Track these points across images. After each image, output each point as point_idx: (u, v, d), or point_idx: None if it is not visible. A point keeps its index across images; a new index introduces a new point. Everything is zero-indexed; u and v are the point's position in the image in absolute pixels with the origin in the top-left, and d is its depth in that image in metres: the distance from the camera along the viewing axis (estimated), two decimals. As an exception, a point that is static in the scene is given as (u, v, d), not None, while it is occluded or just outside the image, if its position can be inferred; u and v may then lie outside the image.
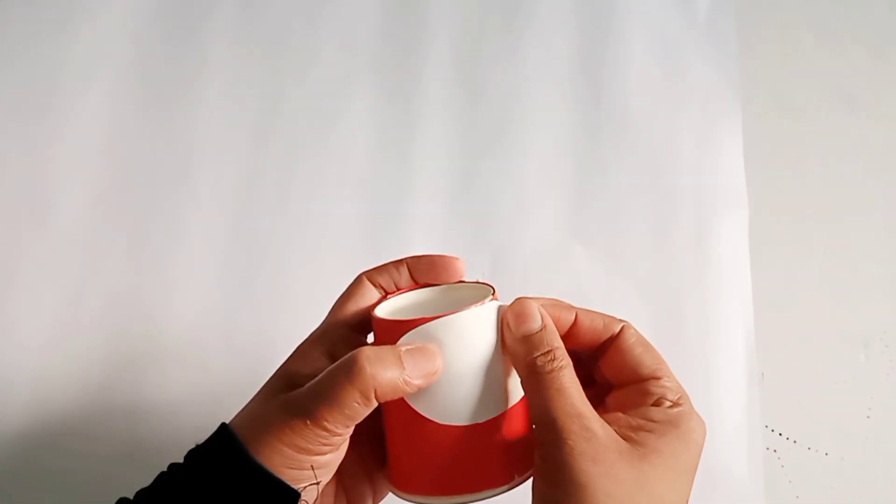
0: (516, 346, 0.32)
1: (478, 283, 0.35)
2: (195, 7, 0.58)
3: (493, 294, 0.33)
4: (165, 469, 0.31)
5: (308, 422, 0.29)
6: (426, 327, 0.31)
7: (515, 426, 0.32)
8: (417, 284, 0.36)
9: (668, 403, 0.32)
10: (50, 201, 0.53)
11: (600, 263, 0.53)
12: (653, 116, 0.57)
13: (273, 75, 0.57)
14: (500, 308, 0.33)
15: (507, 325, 0.32)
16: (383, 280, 0.36)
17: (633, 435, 0.30)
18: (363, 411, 0.29)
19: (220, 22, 0.58)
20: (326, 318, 0.35)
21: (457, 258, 0.35)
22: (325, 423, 0.29)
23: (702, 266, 0.53)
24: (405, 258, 0.36)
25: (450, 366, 0.31)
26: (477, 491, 0.31)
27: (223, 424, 0.31)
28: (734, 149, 0.57)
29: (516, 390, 0.33)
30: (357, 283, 0.36)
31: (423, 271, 0.36)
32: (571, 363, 0.31)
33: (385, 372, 0.29)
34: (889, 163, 0.57)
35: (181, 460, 0.47)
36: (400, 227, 0.53)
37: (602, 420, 0.30)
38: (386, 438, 0.34)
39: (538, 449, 0.30)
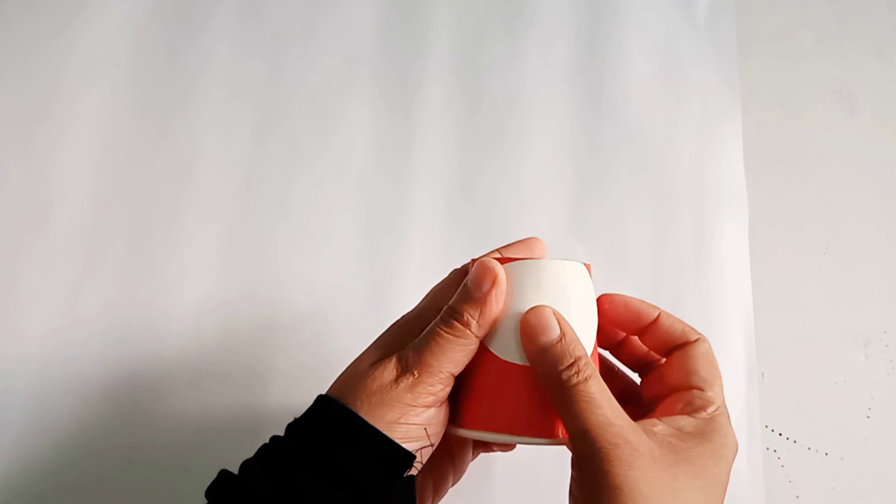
0: (537, 358, 0.32)
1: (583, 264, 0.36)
2: (195, 11, 0.59)
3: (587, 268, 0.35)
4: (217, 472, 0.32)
5: (415, 371, 0.31)
6: (512, 266, 0.33)
7: None
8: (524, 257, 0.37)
9: (705, 414, 0.33)
10: (50, 203, 0.53)
11: (601, 266, 0.53)
12: (653, 118, 0.57)
13: (273, 79, 0.57)
14: (583, 271, 0.34)
15: (525, 335, 0.32)
16: (483, 331, 0.35)
17: (666, 442, 0.31)
18: (464, 348, 0.32)
19: (220, 26, 0.58)
20: (421, 303, 0.36)
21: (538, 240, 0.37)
22: (431, 367, 0.31)
23: (702, 267, 0.53)
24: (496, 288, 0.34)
25: (525, 307, 0.32)
26: (524, 434, 0.32)
27: (323, 396, 0.32)
28: (734, 150, 0.57)
29: (593, 348, 0.34)
30: (456, 274, 0.36)
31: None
32: (597, 370, 0.32)
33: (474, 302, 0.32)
34: (889, 163, 0.57)
35: (182, 461, 0.48)
36: (400, 232, 0.53)
37: (636, 426, 0.31)
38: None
39: (575, 459, 0.31)
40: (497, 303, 0.32)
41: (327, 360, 0.49)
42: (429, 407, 0.31)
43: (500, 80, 0.58)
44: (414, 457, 0.30)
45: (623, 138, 0.57)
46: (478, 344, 0.32)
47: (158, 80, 0.57)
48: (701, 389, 0.34)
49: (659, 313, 0.36)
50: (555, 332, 0.31)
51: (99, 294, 0.51)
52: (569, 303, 0.33)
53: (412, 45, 0.59)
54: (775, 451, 0.49)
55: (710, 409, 0.33)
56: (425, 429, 0.31)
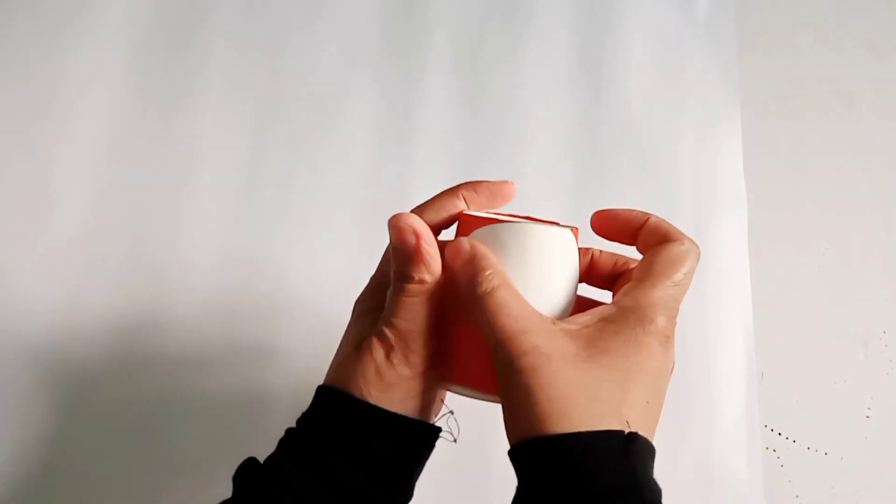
0: (459, 282, 0.33)
1: (570, 227, 0.36)
2: (195, 9, 0.58)
3: (573, 232, 0.35)
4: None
5: (400, 343, 0.31)
6: (497, 227, 0.34)
7: None
8: (514, 214, 0.37)
9: (627, 300, 0.32)
10: (51, 203, 0.53)
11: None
12: (652, 116, 0.57)
13: (273, 77, 0.57)
14: (569, 237, 0.35)
15: (448, 266, 0.33)
16: (434, 215, 0.35)
17: (583, 335, 0.31)
18: (427, 301, 0.32)
19: (220, 24, 0.58)
20: (378, 269, 0.36)
21: (510, 182, 0.36)
22: (411, 333, 0.31)
23: (701, 265, 0.53)
24: (460, 187, 0.35)
25: (510, 269, 0.33)
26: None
27: (326, 387, 0.32)
28: (733, 148, 0.57)
29: (554, 311, 0.34)
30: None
31: (482, 203, 0.36)
32: (509, 282, 0.32)
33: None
34: (888, 161, 0.57)
35: (181, 462, 0.48)
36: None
37: (550, 328, 0.31)
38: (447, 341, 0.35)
39: (497, 370, 0.31)
40: (430, 245, 0.32)
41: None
42: (425, 372, 0.32)
43: (500, 77, 0.58)
44: (439, 429, 0.31)
45: (622, 135, 0.57)
46: (435, 290, 0.32)
47: (159, 78, 0.56)
48: (639, 280, 0.33)
49: (649, 217, 0.36)
50: (465, 251, 0.33)
51: (101, 292, 0.50)
52: (549, 266, 0.34)
53: (412, 41, 0.59)
54: (775, 450, 0.49)
55: (639, 298, 0.32)
56: (439, 398, 0.32)
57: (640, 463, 0.29)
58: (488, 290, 0.31)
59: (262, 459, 0.31)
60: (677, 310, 0.33)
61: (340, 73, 0.57)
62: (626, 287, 0.33)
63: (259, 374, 0.49)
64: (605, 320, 0.32)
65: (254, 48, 0.58)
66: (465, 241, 0.33)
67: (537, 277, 0.34)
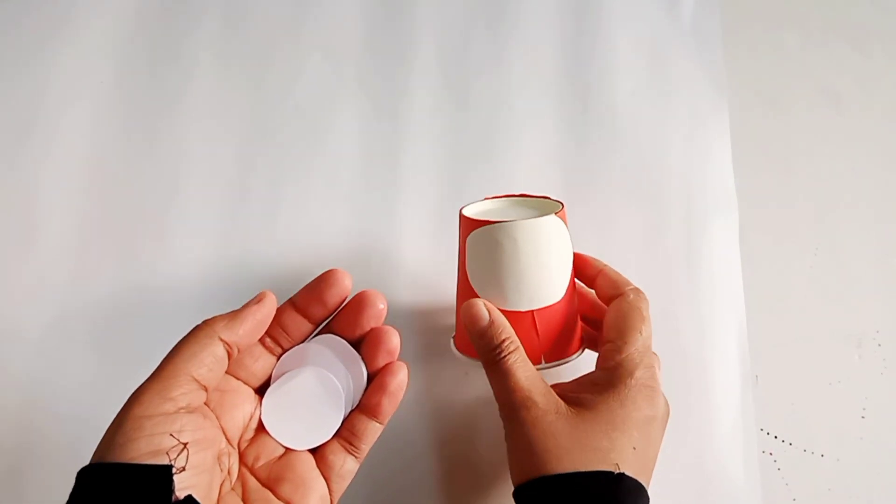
0: (475, 340, 0.38)
1: (557, 201, 0.43)
2: (179, 22, 0.58)
3: (560, 210, 0.41)
4: None
5: (153, 381, 0.31)
6: (489, 229, 0.39)
7: (549, 322, 0.40)
8: (508, 195, 0.45)
9: (611, 363, 0.38)
10: (36, 219, 0.52)
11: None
12: (640, 120, 0.57)
13: (258, 89, 0.57)
14: (555, 223, 0.40)
15: (465, 323, 0.38)
16: (232, 336, 0.34)
17: (575, 398, 0.37)
18: (200, 344, 0.33)
19: (204, 37, 0.58)
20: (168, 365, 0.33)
21: (336, 271, 0.37)
22: (163, 371, 0.32)
23: (693, 268, 0.53)
24: (257, 304, 0.35)
25: (506, 265, 0.39)
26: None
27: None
28: (722, 149, 0.57)
29: (551, 295, 0.40)
30: (206, 336, 0.34)
31: (310, 302, 0.37)
32: (521, 349, 0.38)
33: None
34: (877, 160, 0.57)
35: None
36: (390, 238, 0.53)
37: (548, 390, 0.37)
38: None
39: (504, 421, 0.37)
40: (253, 315, 0.35)
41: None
42: (170, 414, 0.30)
43: (486, 84, 0.58)
44: (167, 467, 0.29)
45: (610, 140, 0.56)
46: (223, 347, 0.33)
47: (143, 95, 0.56)
48: (612, 342, 0.39)
49: (602, 268, 0.43)
50: (485, 320, 0.38)
51: (88, 312, 0.50)
52: (540, 255, 0.39)
53: (398, 50, 0.58)
54: (771, 453, 0.49)
55: (616, 359, 0.38)
56: (171, 434, 0.30)
57: (626, 498, 0.33)
58: (504, 356, 0.37)
59: None
60: (651, 357, 0.39)
61: (326, 84, 0.57)
62: (604, 351, 0.39)
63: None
64: (593, 382, 0.38)
65: (238, 62, 0.57)
66: (482, 308, 0.38)
67: (532, 268, 0.39)
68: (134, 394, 0.31)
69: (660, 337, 0.50)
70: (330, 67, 0.58)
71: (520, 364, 0.37)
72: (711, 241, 0.54)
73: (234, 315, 0.34)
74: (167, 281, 0.51)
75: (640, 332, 0.38)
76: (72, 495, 0.29)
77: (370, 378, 0.37)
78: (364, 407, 0.37)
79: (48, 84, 0.56)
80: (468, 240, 0.40)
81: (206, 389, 0.33)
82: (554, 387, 0.39)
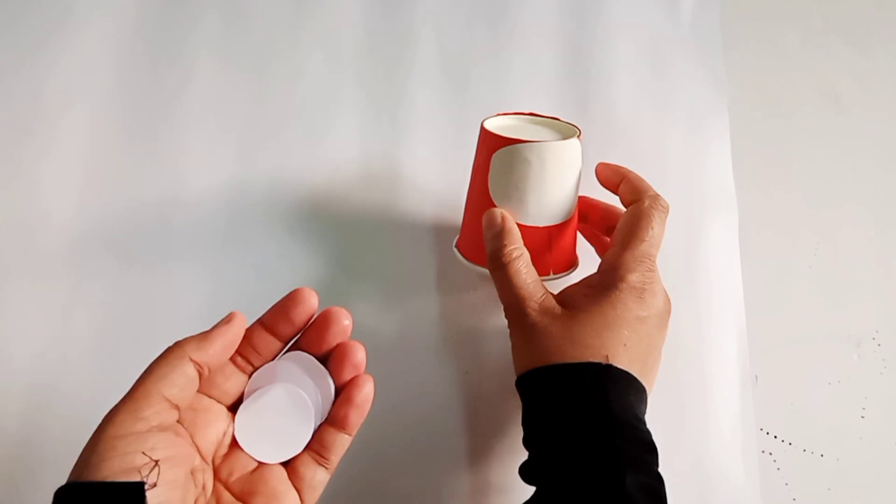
0: (487, 244, 0.43)
1: (570, 123, 0.46)
2: (178, 23, 0.58)
3: (579, 134, 0.44)
4: None
5: (126, 402, 0.32)
6: (519, 147, 0.42)
7: (560, 238, 0.45)
8: (520, 112, 0.48)
9: (604, 267, 0.41)
10: (36, 220, 0.52)
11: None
12: (639, 120, 0.57)
13: (258, 89, 0.57)
14: (576, 146, 0.43)
15: (483, 226, 0.43)
16: (203, 356, 0.34)
17: (571, 301, 0.41)
18: (173, 369, 0.33)
19: (204, 37, 0.58)
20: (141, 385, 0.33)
21: (302, 290, 0.37)
22: (135, 392, 0.32)
23: (692, 268, 0.53)
24: (226, 325, 0.36)
25: (533, 182, 0.42)
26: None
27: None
28: (722, 151, 0.57)
29: (566, 213, 0.44)
30: (176, 358, 0.34)
31: (278, 321, 0.37)
32: (526, 254, 0.42)
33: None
34: (877, 160, 0.57)
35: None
36: (390, 240, 0.53)
37: (546, 293, 0.41)
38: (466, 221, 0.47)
39: (508, 319, 0.42)
40: (222, 336, 0.35)
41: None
42: (142, 433, 0.31)
43: (486, 85, 0.58)
44: (142, 484, 0.30)
45: (610, 141, 0.56)
46: (193, 368, 0.34)
47: (142, 95, 0.56)
48: (615, 247, 0.42)
49: (626, 175, 0.46)
50: (497, 226, 0.42)
51: (89, 312, 0.50)
52: (564, 176, 0.43)
53: (398, 51, 0.58)
54: (771, 453, 0.49)
55: (612, 262, 0.41)
56: (143, 452, 0.31)
57: (613, 385, 0.37)
58: (509, 261, 0.41)
59: None
60: (653, 262, 0.41)
61: (326, 84, 0.57)
62: (606, 255, 0.42)
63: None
64: (589, 285, 0.42)
65: (238, 62, 0.57)
66: (497, 215, 0.42)
67: (555, 188, 0.43)
68: (108, 414, 0.32)
69: (659, 337, 0.51)
70: (330, 68, 0.58)
71: (523, 269, 0.41)
72: (711, 241, 0.54)
73: (204, 336, 0.34)
74: (168, 279, 0.51)
75: (643, 240, 0.41)
76: None
77: (338, 392, 0.38)
78: (332, 420, 0.37)
79: (47, 85, 0.55)
80: (495, 155, 0.43)
81: (177, 408, 0.33)
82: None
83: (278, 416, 0.37)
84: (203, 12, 0.59)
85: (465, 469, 0.47)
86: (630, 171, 0.46)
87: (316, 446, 0.37)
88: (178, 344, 0.34)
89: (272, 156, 0.55)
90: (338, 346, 0.38)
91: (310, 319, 0.38)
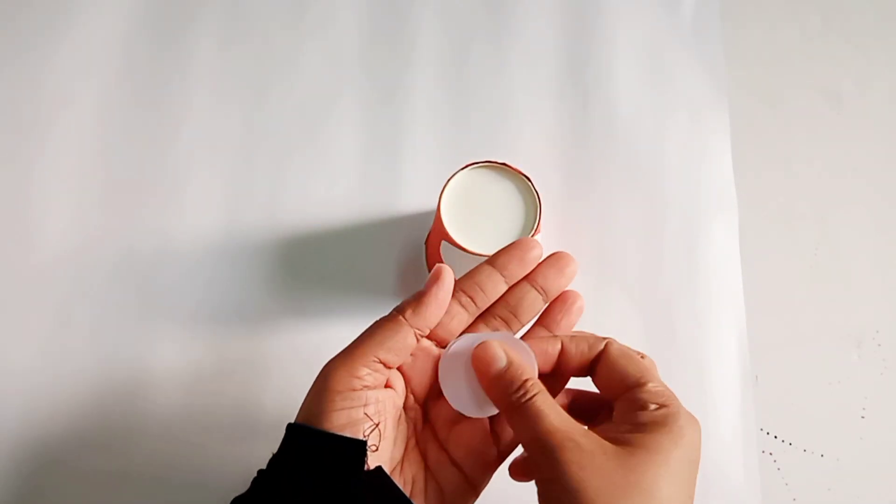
0: (491, 388, 0.34)
1: (521, 174, 0.45)
2: (180, 16, 0.58)
3: (533, 230, 0.44)
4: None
5: (346, 359, 0.33)
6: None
7: None
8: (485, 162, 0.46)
9: (653, 406, 0.33)
10: (35, 219, 0.52)
11: (590, 270, 0.52)
12: (640, 121, 0.57)
13: (260, 83, 0.57)
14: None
15: (477, 368, 0.35)
16: (421, 322, 0.34)
17: (620, 437, 0.31)
18: (393, 334, 0.33)
19: (206, 30, 0.58)
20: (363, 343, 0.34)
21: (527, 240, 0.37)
22: (355, 351, 0.33)
23: (692, 269, 0.53)
24: (436, 284, 0.35)
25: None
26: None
27: (293, 425, 0.33)
28: (723, 151, 0.57)
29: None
30: (398, 326, 0.34)
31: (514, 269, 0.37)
32: (544, 388, 0.33)
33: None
34: (877, 161, 0.57)
35: (175, 483, 0.48)
36: (390, 236, 0.53)
37: (585, 430, 0.32)
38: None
39: (534, 469, 0.33)
40: (436, 297, 0.34)
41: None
42: (356, 391, 0.32)
43: (486, 88, 0.58)
44: (364, 443, 0.31)
45: (611, 142, 0.56)
46: (412, 334, 0.34)
47: (144, 88, 0.56)
48: (640, 385, 0.34)
49: (561, 343, 0.36)
50: (502, 362, 0.34)
51: (88, 314, 0.50)
52: None
53: (399, 48, 0.58)
54: (771, 454, 0.49)
55: (655, 399, 0.33)
56: (365, 413, 0.32)
57: None
58: (531, 396, 0.33)
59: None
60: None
61: (327, 77, 0.57)
62: (631, 397, 0.34)
63: (249, 393, 0.49)
64: (637, 422, 0.32)
65: (240, 56, 0.57)
66: (498, 350, 0.34)
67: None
68: (327, 367, 0.33)
69: (659, 338, 0.51)
70: (331, 63, 0.57)
71: (551, 403, 0.33)
72: (711, 240, 0.54)
73: (419, 301, 0.34)
74: (168, 280, 0.51)
75: (655, 372, 0.36)
76: (283, 444, 0.32)
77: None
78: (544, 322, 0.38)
79: (47, 82, 0.55)
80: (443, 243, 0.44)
81: (390, 367, 0.34)
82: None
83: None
84: (204, 4, 0.59)
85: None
86: (560, 335, 0.37)
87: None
88: (396, 310, 0.34)
89: (274, 149, 0.55)
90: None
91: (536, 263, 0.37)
